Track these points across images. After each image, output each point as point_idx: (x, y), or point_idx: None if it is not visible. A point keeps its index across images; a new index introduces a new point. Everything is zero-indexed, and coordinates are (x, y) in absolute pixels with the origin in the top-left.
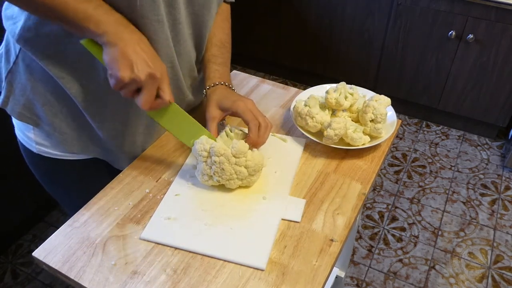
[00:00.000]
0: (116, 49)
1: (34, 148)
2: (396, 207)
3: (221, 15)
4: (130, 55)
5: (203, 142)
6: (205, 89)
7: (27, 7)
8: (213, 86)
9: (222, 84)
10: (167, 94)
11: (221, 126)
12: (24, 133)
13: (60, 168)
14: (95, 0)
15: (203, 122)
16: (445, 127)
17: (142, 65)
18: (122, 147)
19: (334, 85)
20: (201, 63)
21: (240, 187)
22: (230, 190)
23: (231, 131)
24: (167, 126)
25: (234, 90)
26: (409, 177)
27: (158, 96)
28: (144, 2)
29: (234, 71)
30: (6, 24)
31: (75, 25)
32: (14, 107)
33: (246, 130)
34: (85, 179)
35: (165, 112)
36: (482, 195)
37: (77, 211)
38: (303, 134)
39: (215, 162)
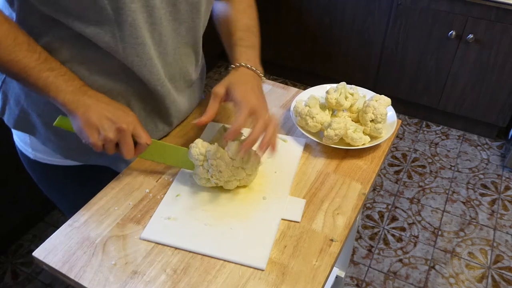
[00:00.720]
0: (76, 119)
1: (31, 154)
2: (396, 207)
3: (243, 2)
4: (92, 120)
5: (198, 146)
6: (229, 68)
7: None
8: (236, 66)
9: (247, 67)
10: (142, 138)
11: (216, 126)
12: (21, 139)
13: (57, 174)
14: (59, 68)
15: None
16: (445, 127)
17: (107, 124)
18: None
19: (334, 85)
20: (227, 49)
21: (238, 186)
22: (230, 190)
23: (225, 130)
24: (161, 160)
25: (261, 76)
26: (409, 177)
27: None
28: (123, 27)
29: None
30: None
31: (36, 91)
32: (10, 117)
33: (243, 130)
34: (82, 185)
35: (152, 150)
36: (482, 195)
37: (74, 214)
38: (303, 134)
39: (212, 165)
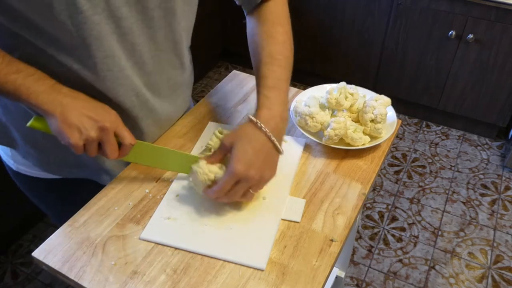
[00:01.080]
0: (55, 120)
1: (13, 165)
2: (396, 207)
3: (267, 22)
4: (72, 119)
5: (205, 172)
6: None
7: None
8: (252, 122)
9: (260, 128)
10: (126, 139)
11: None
12: (4, 151)
13: (38, 186)
14: (26, 69)
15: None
16: (445, 127)
17: (88, 123)
18: (103, 164)
19: (334, 85)
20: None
21: None
22: None
23: (221, 133)
24: (150, 164)
25: (276, 144)
26: (409, 177)
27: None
28: (89, 42)
29: (234, 71)
30: None
31: (8, 97)
32: None
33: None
34: (64, 197)
35: (136, 152)
36: (482, 195)
37: (61, 223)
38: (303, 134)
39: None
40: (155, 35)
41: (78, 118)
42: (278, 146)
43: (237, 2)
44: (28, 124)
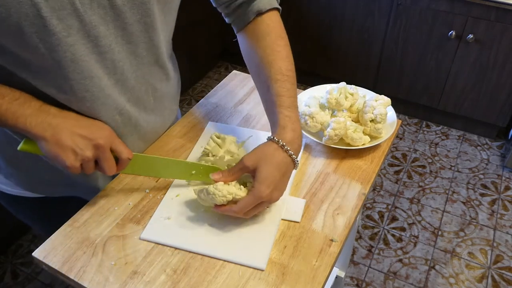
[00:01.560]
0: (46, 143)
1: None
2: (396, 207)
3: (267, 36)
4: (64, 140)
5: (224, 194)
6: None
7: None
8: (275, 142)
9: (286, 150)
10: (123, 153)
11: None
12: None
13: (22, 205)
14: (10, 93)
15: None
16: (445, 127)
17: (82, 143)
18: (95, 183)
19: (334, 85)
20: (264, 103)
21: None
22: None
23: (218, 137)
24: (145, 174)
25: (297, 163)
26: (409, 177)
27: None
28: (64, 64)
29: (234, 71)
30: None
31: None
32: None
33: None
34: (49, 215)
35: (134, 164)
36: (482, 195)
37: (45, 238)
38: (303, 134)
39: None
40: (136, 50)
41: (71, 138)
42: (297, 163)
43: (227, 20)
44: (19, 147)
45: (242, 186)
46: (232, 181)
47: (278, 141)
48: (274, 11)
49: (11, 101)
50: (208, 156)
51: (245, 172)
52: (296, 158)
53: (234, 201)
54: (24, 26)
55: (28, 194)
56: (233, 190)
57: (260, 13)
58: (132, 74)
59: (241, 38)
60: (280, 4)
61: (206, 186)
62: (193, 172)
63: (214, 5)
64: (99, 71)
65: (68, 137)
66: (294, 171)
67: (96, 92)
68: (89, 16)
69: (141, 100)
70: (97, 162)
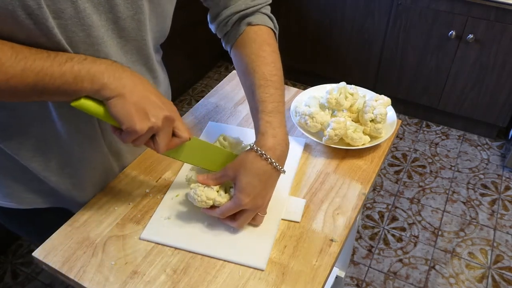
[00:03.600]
0: (123, 100)
1: None
2: (396, 207)
3: (253, 43)
4: (141, 103)
5: (203, 199)
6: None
7: (10, 98)
8: (254, 150)
9: (266, 158)
10: (185, 132)
11: (215, 127)
12: None
13: (10, 217)
14: (76, 55)
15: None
16: (445, 127)
17: (156, 110)
18: (76, 197)
19: (334, 85)
20: (250, 111)
21: None
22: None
23: (224, 140)
24: (188, 161)
25: (280, 170)
26: (409, 177)
27: (174, 135)
28: (62, 45)
29: (234, 71)
30: None
31: (65, 91)
32: None
33: (241, 138)
34: (39, 226)
35: (183, 148)
36: (482, 195)
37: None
38: (303, 134)
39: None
40: (126, 46)
41: (147, 102)
42: (280, 169)
43: (220, 35)
44: (73, 103)
45: (222, 192)
46: (214, 185)
47: (256, 149)
48: (267, 28)
49: (81, 61)
50: None
51: (226, 180)
52: (278, 165)
53: (217, 206)
54: (17, 10)
55: (15, 205)
56: (213, 195)
57: (250, 24)
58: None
59: (234, 54)
60: (280, 4)
61: (191, 188)
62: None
63: (210, 24)
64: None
65: (145, 101)
66: (294, 172)
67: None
68: (83, 3)
69: None
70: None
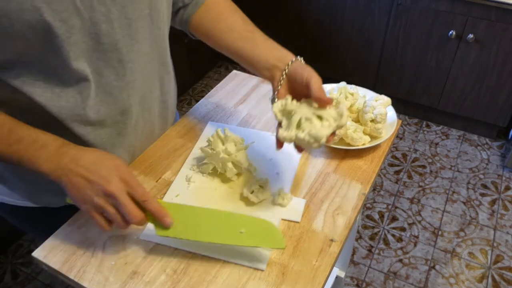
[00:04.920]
0: (66, 187)
1: None
2: (396, 207)
3: (222, 4)
4: (76, 184)
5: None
6: (285, 69)
7: None
8: (292, 62)
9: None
10: (137, 193)
11: (216, 126)
12: None
13: (14, 214)
14: (28, 136)
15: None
16: (445, 127)
17: (90, 190)
18: None
19: (334, 85)
20: (237, 52)
21: (239, 185)
22: (230, 189)
23: (218, 136)
24: (196, 237)
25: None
26: (409, 177)
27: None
28: (68, 62)
29: (234, 71)
30: None
31: (14, 164)
32: None
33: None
34: (43, 225)
35: (178, 223)
36: (482, 195)
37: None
38: None
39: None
40: (142, 48)
41: (82, 184)
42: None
43: (179, 23)
44: (66, 200)
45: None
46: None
47: (292, 61)
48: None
49: (29, 144)
50: (208, 148)
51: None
52: None
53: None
54: (28, 33)
55: (30, 204)
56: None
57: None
58: (139, 74)
59: (193, 23)
60: (280, 5)
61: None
62: (242, 231)
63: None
64: (103, 69)
65: (80, 183)
66: (294, 172)
67: (97, 91)
68: (88, 13)
69: (146, 101)
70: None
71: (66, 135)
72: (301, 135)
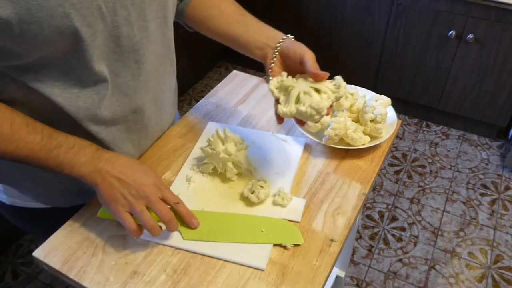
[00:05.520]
0: (99, 188)
1: (6, 200)
2: (396, 207)
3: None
4: (111, 184)
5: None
6: (276, 49)
7: None
8: (284, 39)
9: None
10: (169, 199)
11: (216, 126)
12: None
13: (17, 215)
14: (66, 141)
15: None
16: (445, 127)
17: (126, 189)
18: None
19: None
20: (231, 36)
21: (239, 185)
22: (230, 189)
23: (218, 136)
24: (217, 238)
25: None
26: (409, 177)
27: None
28: (90, 64)
29: (234, 71)
30: None
31: (50, 170)
32: None
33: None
34: (48, 225)
35: (203, 226)
36: (482, 195)
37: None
38: (303, 134)
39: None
40: (156, 48)
41: (117, 184)
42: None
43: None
44: (98, 214)
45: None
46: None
47: (284, 38)
48: None
49: (67, 150)
50: (208, 147)
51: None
52: None
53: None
54: (56, 38)
55: (39, 205)
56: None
57: None
58: (153, 75)
59: (188, 12)
60: (280, 5)
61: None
62: (263, 229)
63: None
64: (120, 70)
65: (115, 184)
66: (294, 172)
67: (113, 91)
68: (111, 17)
69: (157, 100)
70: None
71: (78, 133)
72: (303, 108)
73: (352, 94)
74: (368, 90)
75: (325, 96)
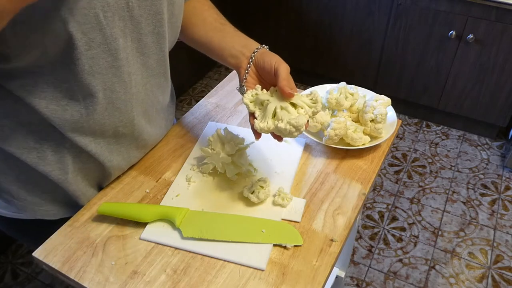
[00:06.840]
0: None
1: None
2: (396, 207)
3: (200, 2)
4: None
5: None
6: (251, 57)
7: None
8: (258, 49)
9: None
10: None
11: (216, 126)
12: None
13: (16, 227)
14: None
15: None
16: (445, 127)
17: None
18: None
19: (334, 85)
20: (209, 44)
21: (239, 185)
22: (230, 189)
23: (218, 135)
24: (217, 237)
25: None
26: (409, 177)
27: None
28: (80, 76)
29: (234, 71)
30: None
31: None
32: None
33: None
34: (36, 238)
35: (192, 223)
36: (482, 195)
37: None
38: (303, 134)
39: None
40: (148, 62)
41: None
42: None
43: None
44: (97, 211)
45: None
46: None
47: (259, 48)
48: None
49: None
50: (208, 147)
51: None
52: None
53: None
54: (47, 42)
55: (25, 216)
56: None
57: None
58: (142, 87)
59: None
60: (280, 4)
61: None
62: (263, 230)
63: None
64: (115, 85)
65: None
66: (294, 172)
67: (107, 106)
68: (110, 29)
69: (147, 112)
70: None
71: (66, 145)
72: (281, 125)
73: (352, 94)
74: (368, 90)
75: (302, 111)
